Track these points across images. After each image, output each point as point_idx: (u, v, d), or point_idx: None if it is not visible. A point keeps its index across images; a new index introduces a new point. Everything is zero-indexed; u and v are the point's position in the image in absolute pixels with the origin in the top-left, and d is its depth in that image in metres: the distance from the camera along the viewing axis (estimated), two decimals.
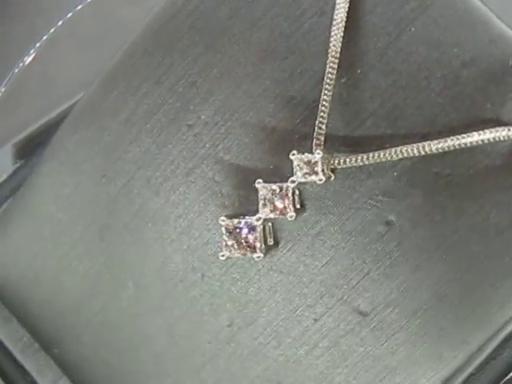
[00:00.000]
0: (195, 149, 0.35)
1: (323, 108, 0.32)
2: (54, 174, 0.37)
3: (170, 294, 0.35)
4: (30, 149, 0.41)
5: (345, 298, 0.33)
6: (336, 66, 0.32)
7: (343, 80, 0.33)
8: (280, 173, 0.33)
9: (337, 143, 0.32)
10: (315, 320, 0.33)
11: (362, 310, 0.33)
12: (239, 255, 0.33)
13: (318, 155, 0.31)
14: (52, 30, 0.40)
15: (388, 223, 0.32)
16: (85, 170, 0.36)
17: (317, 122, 0.32)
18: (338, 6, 0.32)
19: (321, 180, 0.31)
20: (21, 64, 0.40)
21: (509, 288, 0.31)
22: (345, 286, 0.33)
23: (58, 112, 0.40)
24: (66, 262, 0.37)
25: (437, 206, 0.32)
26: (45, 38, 0.40)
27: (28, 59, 0.40)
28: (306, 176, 0.32)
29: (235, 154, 0.34)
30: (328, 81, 0.32)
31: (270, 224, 0.33)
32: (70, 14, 0.40)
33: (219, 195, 0.34)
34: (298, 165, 0.32)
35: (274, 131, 0.33)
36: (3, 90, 0.37)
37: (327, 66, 0.32)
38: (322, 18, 0.33)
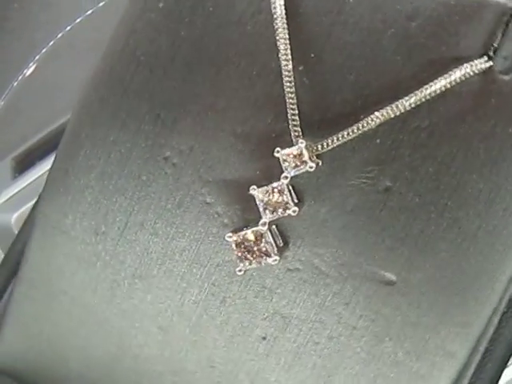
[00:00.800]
0: (179, 179, 0.34)
1: (290, 100, 0.32)
2: (48, 247, 0.36)
3: (198, 326, 0.35)
4: (30, 162, 0.40)
5: (368, 273, 0.33)
6: (290, 57, 0.32)
7: (301, 68, 0.33)
8: (269, 174, 0.33)
9: (314, 129, 0.33)
10: (346, 304, 0.33)
11: (389, 280, 0.33)
12: (255, 265, 0.33)
13: (301, 145, 0.32)
14: (51, 43, 0.40)
15: (386, 190, 0.32)
16: (75, 236, 0.36)
17: (289, 115, 0.32)
18: (273, 0, 0.32)
19: (311, 167, 0.32)
20: (20, 77, 0.39)
21: None
22: (364, 263, 0.33)
23: (58, 125, 0.40)
24: (84, 327, 0.36)
25: (427, 158, 0.32)
26: (44, 51, 0.40)
27: (27, 72, 0.40)
28: (296, 168, 0.32)
29: (219, 171, 0.34)
30: (286, 73, 0.32)
31: (274, 227, 0.33)
32: (68, 28, 0.39)
33: (216, 216, 0.34)
34: (285, 160, 0.32)
35: (249, 137, 0.33)
36: (2, 103, 0.36)
37: (281, 59, 0.32)
38: (261, 15, 0.33)
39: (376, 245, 0.33)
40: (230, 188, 0.34)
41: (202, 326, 0.35)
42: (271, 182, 0.32)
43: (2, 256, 0.43)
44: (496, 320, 0.33)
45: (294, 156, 0.32)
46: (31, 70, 0.41)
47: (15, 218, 0.47)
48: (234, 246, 0.33)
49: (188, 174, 0.34)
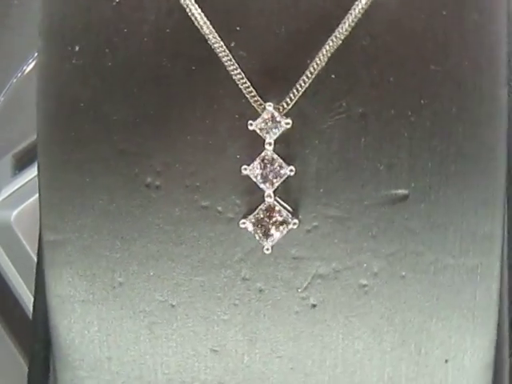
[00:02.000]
0: (168, 197, 0.34)
1: (238, 77, 0.32)
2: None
3: (249, 325, 0.35)
4: (30, 159, 0.39)
5: (380, 199, 0.34)
6: (219, 39, 0.32)
7: (232, 44, 0.33)
8: (252, 152, 0.33)
9: (272, 93, 0.33)
10: (373, 236, 0.34)
11: (402, 195, 0.33)
12: (279, 235, 0.33)
13: (269, 108, 0.32)
14: None
15: (361, 116, 0.33)
16: (93, 299, 0.36)
17: (244, 92, 0.33)
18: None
19: (288, 123, 0.32)
20: (20, 74, 0.38)
21: None
22: (373, 191, 0.34)
23: None
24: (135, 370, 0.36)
25: (384, 70, 0.33)
26: None
27: (27, 69, 0.39)
28: (275, 130, 0.32)
29: (203, 172, 0.34)
30: (223, 55, 0.32)
31: (277, 198, 0.33)
32: None
33: (218, 214, 0.34)
34: (262, 128, 0.32)
35: (217, 130, 0.34)
36: (2, 99, 0.35)
37: (212, 45, 0.32)
38: (173, 16, 0.34)
39: (375, 169, 0.33)
40: (220, 183, 0.34)
41: (251, 323, 0.35)
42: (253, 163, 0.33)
43: (3, 252, 0.42)
44: None
45: (268, 120, 0.32)
46: (31, 66, 0.40)
47: (15, 215, 0.47)
48: (251, 229, 0.33)
49: (175, 189, 0.34)
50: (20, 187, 0.47)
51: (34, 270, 0.38)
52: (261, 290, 0.35)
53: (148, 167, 0.34)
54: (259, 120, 0.32)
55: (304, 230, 0.34)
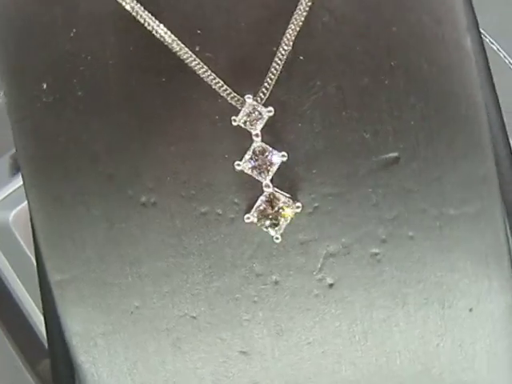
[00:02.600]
0: (165, 211, 0.34)
1: (210, 78, 0.33)
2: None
3: (272, 319, 0.35)
4: None
5: (372, 165, 0.34)
6: (183, 46, 0.33)
7: (197, 49, 0.34)
8: (240, 148, 0.33)
9: (246, 86, 0.33)
10: (375, 205, 0.34)
11: (393, 158, 0.34)
12: (286, 223, 0.33)
13: (249, 100, 0.32)
14: None
15: (337, 89, 0.34)
16: (115, 329, 0.35)
17: (219, 91, 0.33)
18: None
19: (270, 111, 0.32)
20: None
21: None
22: (364, 161, 0.34)
23: None
24: None
25: (350, 40, 0.34)
26: None
27: None
28: (259, 121, 0.32)
29: (195, 179, 0.34)
30: (191, 61, 0.33)
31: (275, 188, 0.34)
32: None
33: (219, 218, 0.34)
34: (246, 121, 0.32)
35: (198, 135, 0.34)
36: (1, 100, 0.35)
37: (178, 53, 0.33)
38: (132, 33, 0.34)
39: (361, 139, 0.34)
40: (214, 186, 0.34)
41: (274, 317, 0.35)
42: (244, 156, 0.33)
43: (1, 253, 0.42)
44: None
45: (250, 113, 0.32)
46: None
47: (13, 216, 0.47)
48: (257, 222, 0.33)
49: (171, 202, 0.34)
50: (18, 188, 0.48)
51: (32, 271, 0.37)
52: (277, 282, 0.35)
53: (140, 186, 0.34)
54: (241, 114, 0.32)
55: (306, 214, 0.34)
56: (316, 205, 0.34)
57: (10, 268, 0.49)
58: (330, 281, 0.35)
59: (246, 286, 0.35)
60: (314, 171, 0.34)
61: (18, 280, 0.49)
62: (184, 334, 0.35)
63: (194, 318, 0.35)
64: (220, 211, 0.34)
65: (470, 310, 0.35)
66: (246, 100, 0.32)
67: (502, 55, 0.39)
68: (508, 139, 0.36)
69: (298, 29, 0.33)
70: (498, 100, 0.36)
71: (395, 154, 0.34)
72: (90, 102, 0.34)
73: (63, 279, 0.35)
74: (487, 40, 0.38)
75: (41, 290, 0.37)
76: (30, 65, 0.34)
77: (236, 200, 0.34)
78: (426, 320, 0.35)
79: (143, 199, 0.34)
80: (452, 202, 0.34)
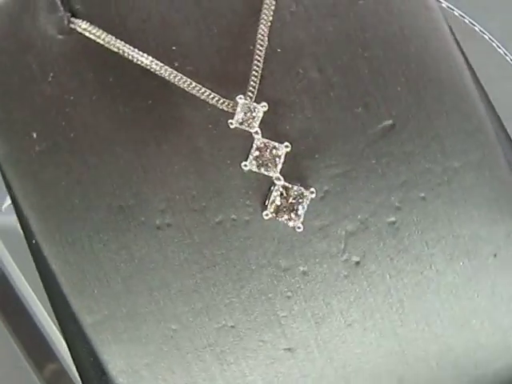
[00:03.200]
0: (180, 229, 0.35)
1: (191, 87, 0.33)
2: None
3: (308, 309, 0.35)
4: None
5: (369, 138, 0.35)
6: (151, 59, 0.33)
7: (176, 64, 0.34)
8: (242, 150, 0.34)
9: (232, 88, 0.34)
10: (382, 175, 0.35)
11: (389, 126, 0.35)
12: (303, 207, 0.33)
13: (241, 100, 0.33)
14: None
15: (319, 72, 0.34)
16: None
17: (208, 100, 0.33)
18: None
19: (264, 106, 0.33)
20: None
21: None
22: (363, 140, 0.34)
23: None
24: None
25: (321, 23, 0.34)
26: None
27: None
28: (255, 119, 0.33)
29: (204, 191, 0.34)
30: (173, 76, 0.33)
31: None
32: None
33: (235, 223, 0.35)
34: (242, 123, 0.33)
35: (199, 145, 0.34)
36: None
37: (148, 66, 0.33)
38: (109, 64, 0.34)
39: (354, 114, 0.35)
40: (224, 194, 0.34)
41: (310, 307, 0.35)
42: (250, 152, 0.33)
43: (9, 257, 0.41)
44: None
45: (245, 113, 0.33)
46: None
47: None
48: (276, 217, 0.33)
49: (185, 219, 0.34)
50: None
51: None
52: (305, 272, 0.35)
53: (151, 211, 0.34)
54: (237, 116, 0.33)
55: (319, 199, 0.34)
56: (326, 188, 0.34)
57: (18, 272, 0.49)
58: (355, 259, 0.35)
59: (276, 283, 0.35)
60: (317, 156, 0.34)
61: (26, 284, 0.49)
62: (226, 346, 0.35)
63: (233, 327, 0.35)
64: (234, 216, 0.34)
65: (495, 255, 0.36)
66: (239, 101, 0.33)
67: (508, 59, 0.40)
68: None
69: (269, 24, 0.33)
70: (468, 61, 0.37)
71: (390, 122, 0.35)
72: (84, 141, 0.34)
73: (96, 321, 0.35)
74: (494, 44, 0.39)
75: (65, 332, 0.37)
76: (15, 118, 0.34)
77: (248, 202, 0.34)
78: (456, 275, 0.36)
79: (157, 222, 0.34)
80: (454, 155, 0.35)
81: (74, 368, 0.38)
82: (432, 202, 0.35)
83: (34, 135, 0.34)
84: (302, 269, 0.35)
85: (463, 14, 0.39)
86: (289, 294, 0.35)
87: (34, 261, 0.37)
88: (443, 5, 0.38)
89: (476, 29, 0.38)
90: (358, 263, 0.35)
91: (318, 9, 0.34)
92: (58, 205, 0.34)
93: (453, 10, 0.38)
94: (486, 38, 0.38)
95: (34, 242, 0.36)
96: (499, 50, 0.39)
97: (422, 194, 0.35)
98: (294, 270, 0.35)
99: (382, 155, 0.35)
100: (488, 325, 0.36)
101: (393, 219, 0.35)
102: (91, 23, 0.34)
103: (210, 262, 0.35)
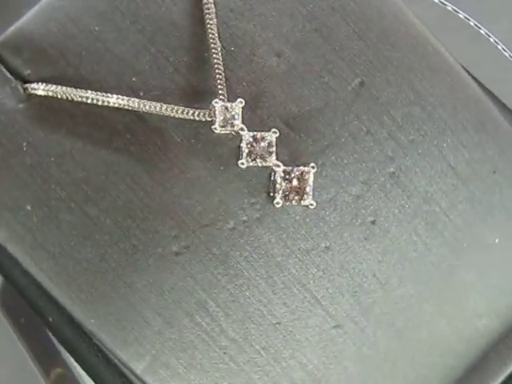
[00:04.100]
0: (201, 246, 0.35)
1: (170, 110, 0.33)
2: None
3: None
4: None
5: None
6: (128, 99, 0.33)
7: (142, 94, 0.34)
8: (231, 154, 0.34)
9: (200, 99, 0.34)
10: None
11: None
12: (310, 185, 0.34)
13: (217, 104, 0.33)
14: None
15: (277, 54, 0.35)
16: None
17: (184, 116, 0.33)
18: None
19: (241, 102, 0.33)
20: None
21: None
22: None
23: None
24: None
25: (263, 11, 0.35)
26: None
27: None
28: (235, 116, 0.33)
29: (214, 207, 0.35)
30: (142, 106, 0.33)
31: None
32: None
33: (246, 224, 0.35)
34: (225, 125, 0.33)
35: (189, 168, 0.34)
36: None
37: (130, 107, 0.33)
38: (78, 115, 0.34)
39: (323, 83, 0.35)
40: (228, 201, 0.35)
41: (344, 279, 0.36)
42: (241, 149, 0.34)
43: None
44: None
45: (225, 114, 0.33)
46: None
47: None
48: (286, 201, 0.34)
49: (199, 237, 0.35)
50: None
51: None
52: (328, 247, 0.35)
53: (165, 240, 0.34)
54: (218, 120, 0.33)
55: (318, 173, 0.35)
56: (321, 162, 0.35)
57: None
58: (370, 219, 0.36)
59: (304, 268, 0.35)
60: (302, 135, 0.35)
61: None
62: (279, 344, 0.35)
63: (279, 323, 0.35)
64: (245, 218, 0.35)
65: (494, 172, 0.37)
66: (215, 105, 0.33)
67: None
68: None
69: (215, 27, 0.34)
70: None
71: (358, 80, 0.35)
72: (77, 195, 0.34)
73: (147, 364, 0.34)
74: (499, 47, 0.40)
75: None
76: (4, 197, 0.34)
77: (253, 200, 0.35)
78: (465, 201, 0.37)
79: (174, 249, 0.34)
80: (427, 92, 0.36)
81: (79, 372, 0.38)
82: (421, 140, 0.36)
83: (29, 207, 0.34)
84: (324, 245, 0.35)
85: (468, 17, 0.40)
86: (320, 273, 0.35)
87: (59, 340, 0.37)
88: (448, 7, 0.39)
89: (481, 32, 0.40)
90: (373, 222, 0.36)
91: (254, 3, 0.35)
92: (75, 265, 0.34)
93: (458, 12, 0.39)
94: (492, 40, 0.39)
95: (51, 319, 0.35)
96: (505, 53, 0.40)
97: (411, 137, 0.36)
98: (317, 249, 0.35)
99: (361, 113, 0.35)
100: (504, 240, 0.37)
101: (391, 170, 0.36)
102: (47, 83, 0.34)
103: (236, 269, 0.35)
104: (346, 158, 0.35)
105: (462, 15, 0.39)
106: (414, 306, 0.37)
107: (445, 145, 0.36)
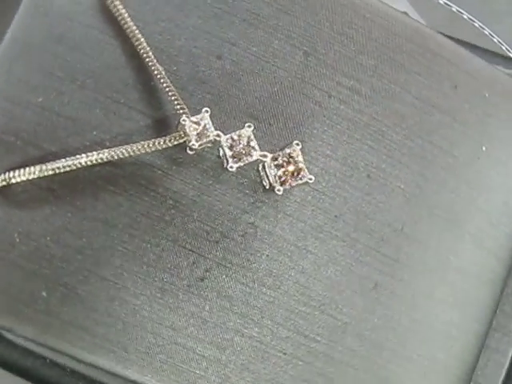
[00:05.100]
0: (224, 262, 0.34)
1: (141, 147, 0.33)
2: None
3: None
4: None
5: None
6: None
7: (96, 156, 0.34)
8: (217, 167, 0.34)
9: (164, 126, 0.34)
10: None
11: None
12: (304, 163, 0.34)
13: (184, 121, 0.33)
14: None
15: (219, 57, 0.35)
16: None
17: (155, 147, 0.33)
18: None
19: (207, 111, 0.33)
20: None
21: None
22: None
23: None
24: None
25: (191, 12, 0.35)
26: None
27: None
28: (207, 126, 0.33)
29: (220, 220, 0.34)
30: (96, 157, 0.33)
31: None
32: None
33: (253, 224, 0.35)
34: (200, 139, 0.33)
35: (174, 200, 0.34)
36: None
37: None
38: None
39: (272, 67, 0.36)
40: (229, 207, 0.35)
41: (366, 235, 0.36)
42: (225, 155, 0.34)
43: None
44: None
45: (196, 128, 0.33)
46: None
47: None
48: (284, 185, 0.34)
49: (217, 255, 0.34)
50: None
51: None
52: (337, 216, 0.36)
53: (186, 270, 0.34)
54: (192, 136, 0.33)
55: (301, 149, 0.35)
56: (299, 139, 0.35)
57: None
58: (365, 174, 0.36)
59: (329, 242, 0.35)
60: (272, 121, 0.35)
61: None
62: (326, 337, 0.35)
63: (323, 305, 0.35)
64: (251, 219, 0.35)
65: (455, 87, 0.38)
66: (184, 123, 0.33)
67: None
68: None
69: (151, 55, 0.34)
70: None
71: (301, 52, 0.36)
72: (88, 264, 0.34)
73: None
74: (504, 48, 0.41)
75: None
76: (18, 296, 0.33)
77: (251, 200, 0.35)
78: (440, 124, 0.37)
79: (198, 275, 0.34)
80: (366, 37, 0.37)
81: None
82: (380, 86, 0.37)
83: (44, 294, 0.33)
84: (334, 214, 0.35)
85: (473, 18, 0.41)
86: (340, 243, 0.36)
87: None
88: (453, 9, 0.39)
89: (485, 32, 0.41)
90: (369, 176, 0.36)
91: (173, 11, 0.35)
92: (108, 330, 0.33)
93: (462, 13, 0.40)
94: (495, 41, 0.40)
95: None
96: (509, 53, 0.41)
97: (370, 86, 0.36)
98: (328, 221, 0.35)
99: (316, 81, 0.36)
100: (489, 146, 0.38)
101: (365, 119, 0.36)
102: (13, 170, 0.33)
103: (264, 272, 0.35)
104: (319, 127, 0.36)
105: (466, 16, 0.40)
106: (432, 235, 0.37)
107: (403, 80, 0.37)
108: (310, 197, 0.35)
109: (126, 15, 0.34)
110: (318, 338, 0.35)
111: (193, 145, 0.33)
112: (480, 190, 0.38)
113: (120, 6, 0.35)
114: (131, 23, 0.34)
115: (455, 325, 0.37)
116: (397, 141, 0.37)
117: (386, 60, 0.37)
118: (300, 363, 0.35)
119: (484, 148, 0.38)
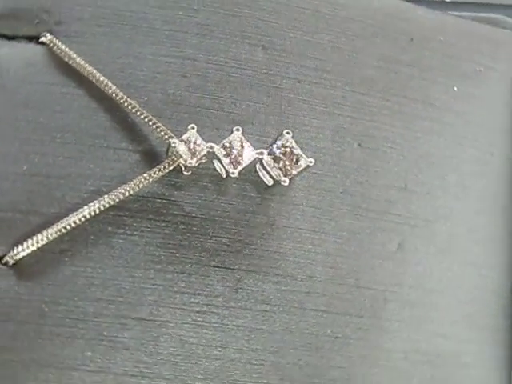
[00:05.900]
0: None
1: (135, 185, 0.33)
2: None
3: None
4: None
5: None
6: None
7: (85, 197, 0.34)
8: (216, 179, 0.34)
9: (151, 155, 0.34)
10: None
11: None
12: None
13: (174, 143, 0.33)
14: None
15: (184, 58, 0.35)
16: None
17: (154, 176, 0.33)
18: None
19: (193, 128, 0.33)
20: None
21: None
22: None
23: None
24: None
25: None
26: None
27: None
28: (197, 142, 0.33)
29: (226, 232, 0.34)
30: (89, 212, 0.33)
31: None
32: None
33: (265, 223, 0.35)
34: (192, 153, 0.33)
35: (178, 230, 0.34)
36: None
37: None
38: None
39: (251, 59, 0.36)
40: (239, 215, 0.35)
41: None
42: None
43: None
44: None
45: (188, 149, 0.33)
46: None
47: None
48: (287, 176, 0.34)
49: (242, 264, 0.34)
50: None
51: None
52: (342, 192, 0.36)
53: (219, 286, 0.34)
54: (186, 155, 0.33)
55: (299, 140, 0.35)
56: (284, 128, 0.35)
57: None
58: (356, 144, 0.36)
59: (345, 217, 0.36)
60: (253, 122, 0.35)
61: None
62: (369, 310, 0.36)
63: (372, 288, 0.36)
64: (265, 219, 0.35)
65: (412, 39, 0.39)
66: (174, 145, 0.33)
67: None
68: None
69: (117, 90, 0.34)
70: None
71: (260, 47, 0.36)
72: (110, 312, 0.33)
73: None
74: None
75: None
76: (65, 362, 0.33)
77: (258, 201, 0.35)
78: (408, 79, 0.38)
79: (231, 287, 0.34)
80: (321, 20, 0.37)
81: None
82: (347, 63, 0.38)
83: (89, 354, 0.33)
84: (340, 190, 0.36)
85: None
86: (357, 212, 0.36)
87: None
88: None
89: None
90: (360, 145, 0.37)
91: (126, 46, 0.35)
92: (164, 374, 0.33)
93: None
94: None
95: None
96: None
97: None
98: (339, 194, 0.36)
99: (279, 72, 0.36)
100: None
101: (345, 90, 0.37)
102: (21, 244, 0.33)
103: (293, 265, 0.35)
104: (299, 113, 0.36)
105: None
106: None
107: (361, 47, 0.38)
108: (312, 181, 0.36)
109: (83, 62, 0.34)
110: (362, 313, 0.35)
111: (190, 163, 0.33)
112: (465, 128, 0.39)
113: (74, 56, 0.34)
114: (90, 68, 0.34)
115: (483, 264, 0.38)
116: (374, 104, 0.37)
117: (340, 32, 0.37)
118: (351, 341, 0.35)
119: (455, 88, 0.39)
